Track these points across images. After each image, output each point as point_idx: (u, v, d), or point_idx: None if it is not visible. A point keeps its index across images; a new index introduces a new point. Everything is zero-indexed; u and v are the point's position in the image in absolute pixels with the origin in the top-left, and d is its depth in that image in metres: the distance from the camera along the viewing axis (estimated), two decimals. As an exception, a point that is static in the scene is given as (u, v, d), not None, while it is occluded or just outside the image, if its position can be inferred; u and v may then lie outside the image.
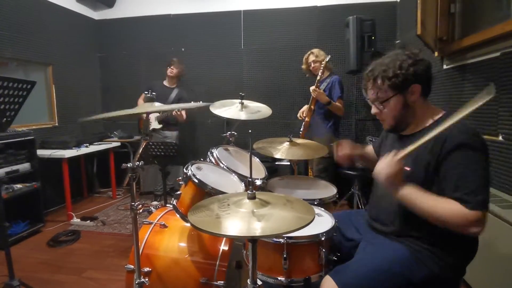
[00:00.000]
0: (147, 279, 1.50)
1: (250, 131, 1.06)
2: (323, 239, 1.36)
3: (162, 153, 2.70)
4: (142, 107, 1.25)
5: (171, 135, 4.06)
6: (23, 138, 3.23)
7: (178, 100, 3.98)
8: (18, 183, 3.19)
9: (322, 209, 1.64)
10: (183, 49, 4.69)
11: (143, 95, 4.00)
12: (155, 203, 4.07)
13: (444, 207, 1.11)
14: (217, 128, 4.46)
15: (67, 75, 4.37)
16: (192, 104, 1.39)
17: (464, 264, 1.27)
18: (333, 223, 1.47)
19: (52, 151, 3.58)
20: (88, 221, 3.58)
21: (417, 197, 1.16)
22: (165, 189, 2.95)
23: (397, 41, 4.05)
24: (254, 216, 0.96)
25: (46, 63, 4.11)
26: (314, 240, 1.36)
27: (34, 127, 3.78)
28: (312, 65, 3.25)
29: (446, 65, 2.72)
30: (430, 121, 1.29)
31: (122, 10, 4.89)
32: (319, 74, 3.04)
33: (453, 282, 1.29)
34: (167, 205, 2.02)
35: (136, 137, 4.62)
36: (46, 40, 4.03)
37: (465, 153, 1.14)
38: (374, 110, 1.35)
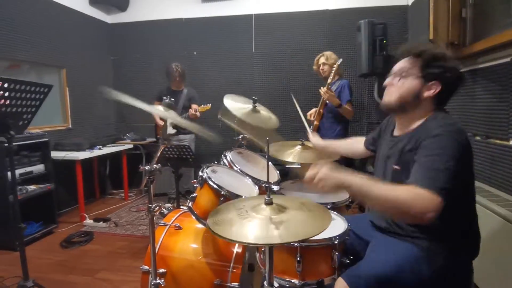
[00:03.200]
0: (162, 280, 1.52)
1: (267, 138, 1.07)
2: (336, 242, 1.37)
3: (176, 156, 2.72)
4: (163, 113, 1.28)
5: (187, 138, 4.09)
6: (37, 140, 3.30)
7: (189, 100, 4.00)
8: (32, 185, 3.25)
9: (335, 212, 1.64)
10: (195, 53, 4.73)
11: (156, 103, 3.94)
12: (168, 205, 4.11)
13: (405, 192, 1.06)
14: (228, 131, 4.49)
15: (80, 77, 4.44)
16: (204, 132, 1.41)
17: (470, 258, 1.27)
18: (346, 226, 1.47)
19: (66, 153, 3.65)
20: (101, 222, 3.62)
21: (370, 184, 1.10)
22: (178, 191, 2.96)
23: (409, 45, 4.04)
24: (272, 223, 0.97)
25: (60, 66, 4.18)
26: (327, 243, 1.36)
27: (48, 129, 3.84)
28: (321, 67, 3.27)
29: (458, 69, 2.72)
30: (418, 123, 1.28)
31: (135, 14, 4.96)
32: (330, 76, 3.05)
33: (463, 280, 1.28)
34: (181, 207, 2.03)
35: (149, 139, 4.67)
36: (60, 43, 4.10)
37: (434, 140, 1.13)
38: (388, 80, 1.34)
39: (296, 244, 1.33)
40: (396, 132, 1.40)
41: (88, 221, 3.66)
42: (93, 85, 4.69)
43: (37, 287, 2.10)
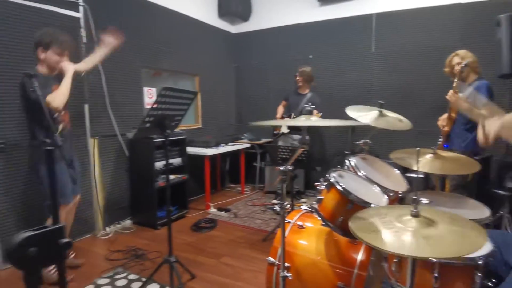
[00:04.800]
0: (290, 274, 1.64)
1: (418, 148, 1.06)
2: (480, 263, 1.26)
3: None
4: (298, 120, 1.39)
5: (299, 139, 4.23)
6: (177, 137, 3.86)
7: (309, 104, 4.17)
8: (171, 174, 3.80)
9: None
10: (310, 56, 4.83)
11: (283, 102, 4.48)
12: (274, 201, 4.35)
13: None
14: (338, 134, 4.46)
15: (209, 83, 5.02)
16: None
17: None
18: (491, 247, 1.34)
19: (197, 149, 4.18)
20: (223, 212, 4.03)
21: None
22: (292, 191, 3.10)
23: None
24: (420, 236, 0.97)
25: (194, 73, 4.80)
26: (469, 263, 1.27)
27: (184, 128, 4.44)
28: (456, 67, 2.95)
29: None
30: None
31: (256, 23, 5.36)
32: (457, 78, 2.73)
33: None
34: (302, 208, 2.13)
35: (264, 139, 4.99)
36: (194, 53, 4.70)
37: None
38: None
39: (434, 260, 1.28)
40: None
41: (212, 210, 4.11)
42: (219, 90, 5.26)
43: (178, 263, 2.46)
